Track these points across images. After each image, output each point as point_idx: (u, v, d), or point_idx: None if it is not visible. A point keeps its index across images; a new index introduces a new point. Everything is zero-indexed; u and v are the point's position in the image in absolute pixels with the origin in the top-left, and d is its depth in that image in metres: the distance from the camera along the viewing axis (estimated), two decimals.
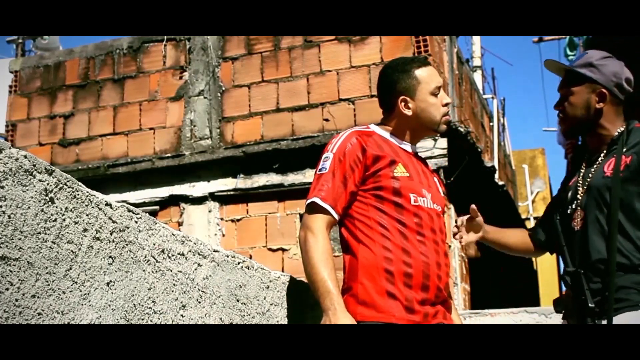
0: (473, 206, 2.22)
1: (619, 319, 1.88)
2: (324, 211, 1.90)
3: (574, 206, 2.10)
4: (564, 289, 2.11)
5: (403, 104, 2.03)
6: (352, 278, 1.90)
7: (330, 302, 1.79)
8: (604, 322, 1.90)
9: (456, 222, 2.27)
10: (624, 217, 1.96)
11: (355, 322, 1.81)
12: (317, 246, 1.86)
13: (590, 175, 2.09)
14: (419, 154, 2.14)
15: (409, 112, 2.03)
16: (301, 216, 6.71)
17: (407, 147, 2.07)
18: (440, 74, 2.18)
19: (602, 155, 2.09)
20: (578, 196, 2.10)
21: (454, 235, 2.25)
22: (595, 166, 2.09)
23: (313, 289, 1.84)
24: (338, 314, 1.77)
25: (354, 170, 1.93)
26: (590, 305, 1.91)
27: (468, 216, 2.25)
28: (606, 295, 1.91)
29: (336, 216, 1.92)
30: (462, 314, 3.97)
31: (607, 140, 2.09)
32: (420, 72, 2.03)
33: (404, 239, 1.90)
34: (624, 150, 2.02)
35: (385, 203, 1.93)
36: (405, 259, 1.88)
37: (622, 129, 2.07)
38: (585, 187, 2.08)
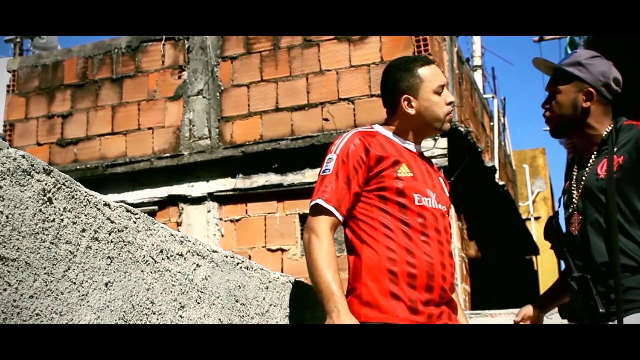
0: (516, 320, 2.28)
1: (629, 320, 1.86)
2: (328, 213, 1.89)
3: (570, 210, 2.08)
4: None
5: (406, 102, 2.02)
6: (356, 279, 1.89)
7: (333, 305, 1.78)
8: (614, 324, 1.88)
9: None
10: (623, 218, 1.94)
11: (359, 324, 1.80)
12: (321, 248, 1.85)
13: (583, 177, 2.07)
14: (424, 154, 2.13)
15: (412, 111, 2.02)
16: (300, 216, 6.75)
17: (412, 146, 2.06)
18: None
19: (592, 156, 2.07)
20: (573, 200, 2.08)
21: None
22: (587, 168, 2.07)
23: (317, 291, 1.84)
24: (342, 316, 1.77)
25: (358, 171, 1.93)
26: (601, 310, 1.89)
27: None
28: (613, 297, 1.89)
29: (340, 217, 1.91)
30: None
31: (596, 140, 2.07)
32: (423, 71, 2.02)
33: (408, 240, 1.89)
34: (615, 150, 2.00)
35: (389, 203, 1.92)
36: (409, 260, 1.87)
37: (611, 127, 2.05)
38: (579, 190, 2.06)
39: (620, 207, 1.95)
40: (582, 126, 2.08)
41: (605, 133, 2.05)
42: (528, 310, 2.28)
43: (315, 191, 1.93)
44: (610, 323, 1.90)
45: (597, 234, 1.98)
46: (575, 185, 2.10)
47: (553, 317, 3.64)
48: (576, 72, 2.06)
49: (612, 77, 2.06)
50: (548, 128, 2.17)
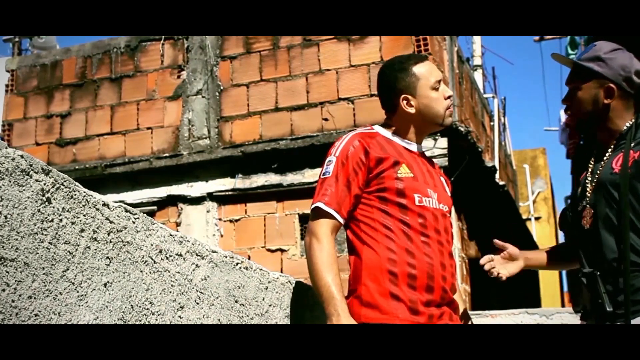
0: (496, 241, 2.12)
1: (637, 322, 1.84)
2: (328, 216, 1.89)
3: (583, 203, 2.06)
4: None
5: (405, 102, 2.02)
6: (356, 280, 1.89)
7: (333, 308, 1.78)
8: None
9: (481, 264, 2.10)
10: (634, 215, 1.91)
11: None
12: (321, 251, 1.85)
13: (598, 171, 2.05)
14: (425, 154, 2.12)
15: (412, 110, 2.02)
16: (300, 216, 6.74)
17: (413, 147, 2.06)
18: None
19: (610, 150, 2.05)
20: (587, 193, 2.05)
21: (490, 275, 2.10)
22: (603, 161, 2.05)
23: (317, 294, 1.84)
24: (342, 319, 1.77)
25: (357, 173, 1.92)
26: (608, 309, 1.86)
27: (491, 256, 2.12)
28: (622, 297, 1.87)
29: (341, 220, 1.91)
30: None
31: (616, 134, 2.04)
32: (418, 69, 2.02)
33: (408, 240, 1.89)
34: (632, 145, 1.97)
35: (389, 204, 1.92)
36: (409, 260, 1.87)
37: (631, 122, 2.02)
38: (593, 184, 2.04)
39: (632, 203, 1.92)
40: (604, 121, 2.05)
41: (625, 128, 2.03)
42: (513, 250, 2.14)
43: (315, 194, 1.93)
44: (618, 324, 1.88)
45: (608, 229, 1.96)
46: (590, 179, 2.07)
47: (553, 318, 3.63)
48: (596, 68, 2.02)
49: (634, 70, 2.02)
50: (569, 123, 2.15)
